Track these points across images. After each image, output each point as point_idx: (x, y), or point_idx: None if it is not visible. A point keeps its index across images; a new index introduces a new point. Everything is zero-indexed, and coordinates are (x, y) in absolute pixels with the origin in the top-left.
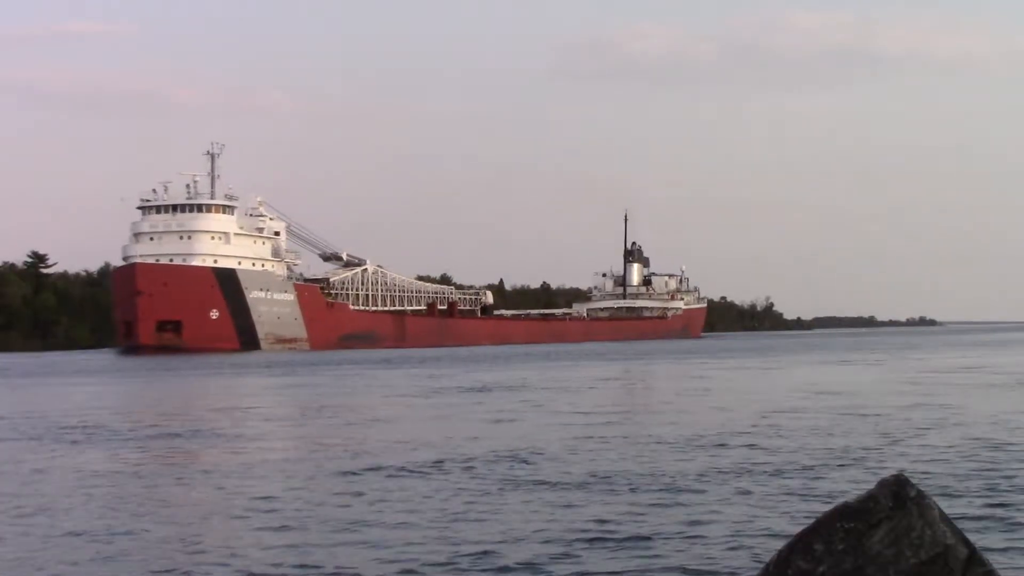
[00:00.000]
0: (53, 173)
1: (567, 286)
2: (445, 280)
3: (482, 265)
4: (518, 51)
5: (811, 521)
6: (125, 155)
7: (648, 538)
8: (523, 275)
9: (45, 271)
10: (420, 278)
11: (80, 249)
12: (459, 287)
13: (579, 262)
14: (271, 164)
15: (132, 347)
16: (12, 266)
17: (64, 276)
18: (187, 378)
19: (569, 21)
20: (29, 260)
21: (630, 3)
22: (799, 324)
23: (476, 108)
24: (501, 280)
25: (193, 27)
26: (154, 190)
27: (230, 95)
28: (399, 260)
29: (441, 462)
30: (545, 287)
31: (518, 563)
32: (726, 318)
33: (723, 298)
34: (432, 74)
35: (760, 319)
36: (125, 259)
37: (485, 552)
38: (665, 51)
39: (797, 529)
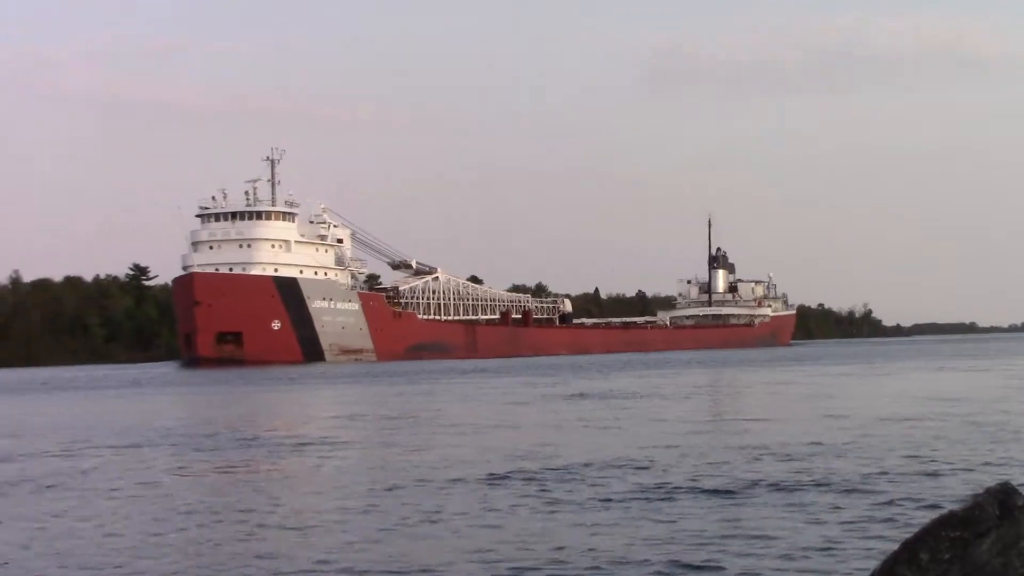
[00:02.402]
0: (151, 185)
1: (663, 294)
2: (540, 290)
3: (579, 275)
4: (601, 59)
5: (916, 530)
6: (220, 166)
7: (771, 535)
8: (619, 284)
9: (146, 283)
10: (515, 288)
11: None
12: (538, 295)
13: (673, 269)
14: (353, 172)
15: (192, 360)
16: (115, 279)
17: (165, 288)
18: (277, 391)
19: (653, 28)
20: (131, 273)
21: (715, 10)
22: (898, 331)
23: (561, 116)
24: (596, 289)
25: (271, 39)
26: (213, 197)
27: (308, 104)
28: (493, 271)
29: (548, 470)
30: (640, 295)
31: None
32: (823, 325)
33: (820, 305)
34: (516, 83)
35: (858, 326)
36: (184, 268)
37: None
38: (750, 57)
39: (902, 537)
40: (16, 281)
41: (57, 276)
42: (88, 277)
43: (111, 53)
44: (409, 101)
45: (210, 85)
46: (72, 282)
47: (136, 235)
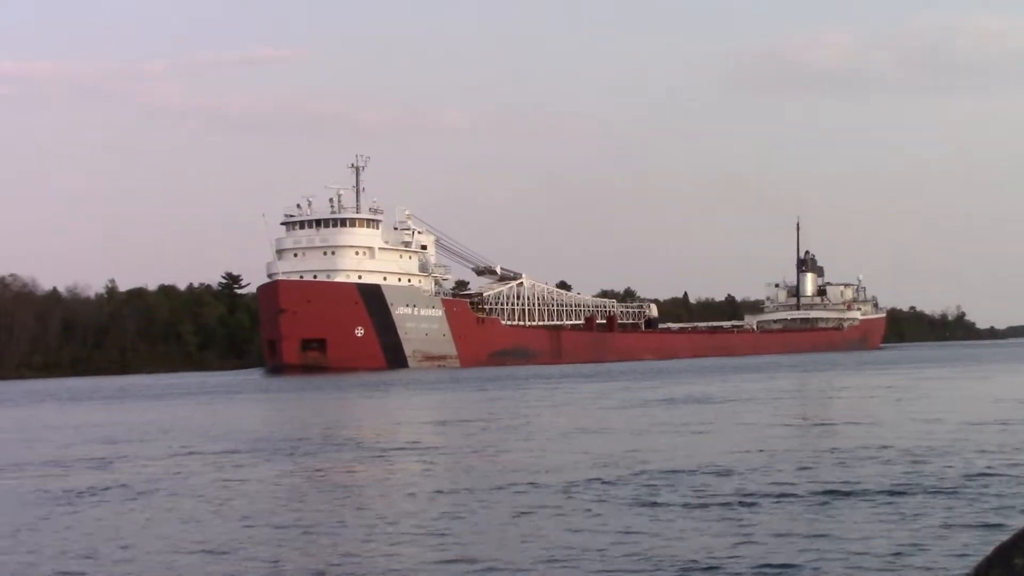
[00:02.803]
0: (244, 194)
1: (752, 298)
2: (628, 295)
3: (668, 280)
4: (688, 62)
5: (1011, 535)
6: (312, 175)
7: (863, 539)
8: (709, 288)
9: (239, 291)
10: (603, 294)
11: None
12: (626, 300)
13: (761, 273)
14: (440, 179)
15: (277, 367)
16: (208, 287)
17: (256, 296)
18: (362, 398)
19: (740, 30)
20: (223, 282)
21: (805, 12)
22: (992, 333)
23: (647, 120)
24: (685, 293)
25: (360, 50)
26: (298, 205)
27: (397, 112)
28: (583, 276)
29: (644, 473)
30: (730, 299)
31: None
32: (915, 328)
33: (912, 308)
34: (603, 86)
35: (951, 329)
36: (269, 276)
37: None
38: (838, 60)
39: (996, 542)
40: (112, 290)
41: (152, 285)
42: (182, 286)
43: (202, 66)
44: (495, 109)
45: (299, 95)
46: (166, 291)
47: (229, 244)
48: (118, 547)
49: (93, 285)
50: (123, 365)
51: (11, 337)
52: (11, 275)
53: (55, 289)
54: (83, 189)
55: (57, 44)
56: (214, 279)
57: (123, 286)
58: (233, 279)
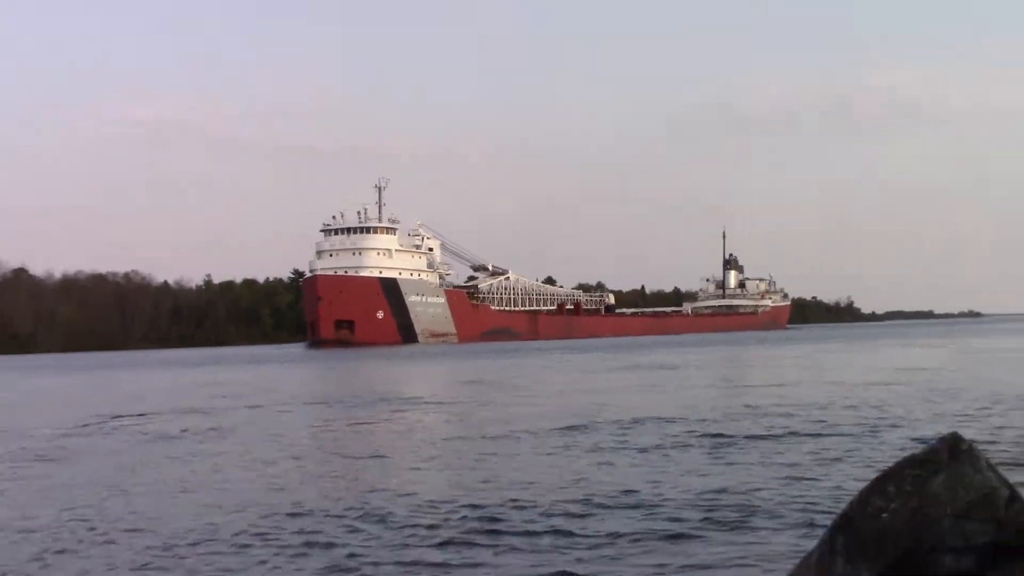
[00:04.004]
0: (303, 207)
1: (694, 290)
2: (600, 287)
3: (631, 275)
4: (646, 108)
5: (885, 468)
6: (350, 193)
7: (761, 487)
8: (661, 282)
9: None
10: (580, 286)
11: None
12: (591, 291)
13: (698, 270)
14: (449, 196)
15: (316, 342)
16: (280, 280)
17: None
18: (384, 365)
19: (688, 83)
20: (291, 276)
21: (742, 66)
22: (873, 317)
23: (613, 153)
24: (643, 286)
25: (388, 99)
26: (333, 217)
27: (411, 144)
28: (564, 272)
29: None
30: (676, 291)
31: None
32: (815, 313)
33: (813, 297)
34: (576, 127)
35: (842, 314)
36: (310, 272)
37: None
38: (764, 108)
39: (874, 474)
40: (208, 283)
41: (238, 278)
42: (261, 279)
43: (272, 110)
44: (492, 143)
45: (338, 132)
46: (249, 283)
47: (296, 246)
48: (212, 472)
49: (194, 278)
50: (217, 340)
51: (133, 319)
52: (133, 271)
53: (166, 282)
54: (186, 204)
55: (170, 94)
56: (284, 273)
57: (217, 279)
58: (299, 274)
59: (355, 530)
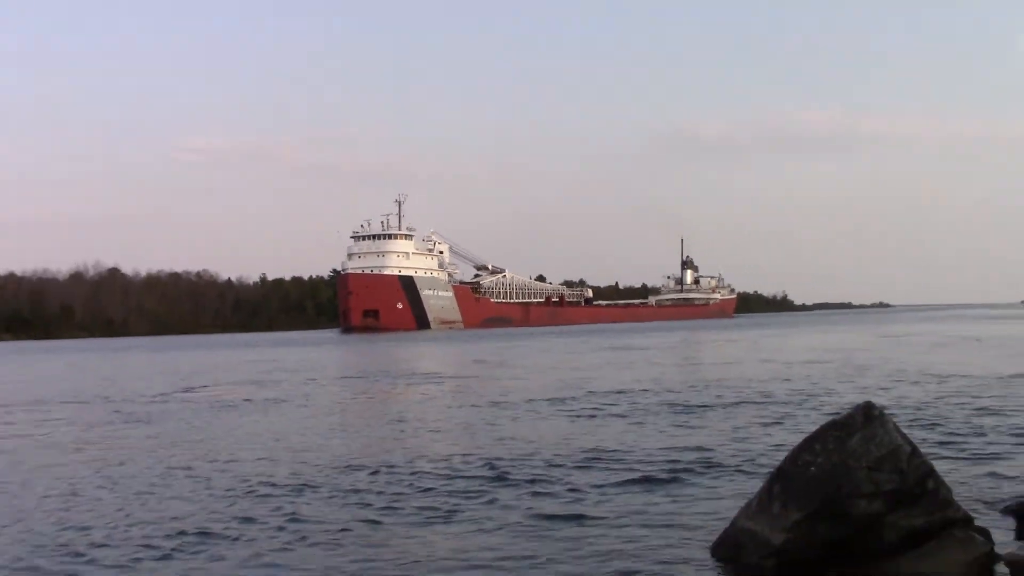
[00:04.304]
0: (342, 216)
1: (657, 285)
2: (582, 283)
3: (609, 273)
4: (624, 133)
5: (813, 430)
6: (372, 204)
7: (712, 446)
8: (632, 278)
9: None
10: (566, 282)
11: None
12: (573, 287)
13: (661, 269)
14: (458, 207)
15: (347, 328)
16: (321, 277)
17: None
18: (418, 346)
19: (658, 112)
20: (331, 274)
21: (699, 103)
22: (803, 308)
23: (596, 169)
24: (617, 282)
25: (407, 131)
26: (361, 225)
27: (425, 164)
28: (553, 270)
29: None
30: (644, 287)
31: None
32: (756, 304)
33: (755, 291)
34: (566, 152)
35: (778, 305)
36: (342, 270)
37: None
38: (717, 135)
39: (804, 435)
40: (263, 280)
41: (287, 276)
42: (305, 276)
43: (314, 138)
44: (493, 161)
45: (369, 156)
46: (296, 280)
47: (335, 249)
48: (273, 431)
49: (252, 276)
50: (269, 326)
51: (203, 308)
52: (203, 270)
53: (229, 279)
54: (245, 215)
55: (228, 125)
56: (325, 272)
57: (270, 277)
58: (336, 273)
59: (390, 475)
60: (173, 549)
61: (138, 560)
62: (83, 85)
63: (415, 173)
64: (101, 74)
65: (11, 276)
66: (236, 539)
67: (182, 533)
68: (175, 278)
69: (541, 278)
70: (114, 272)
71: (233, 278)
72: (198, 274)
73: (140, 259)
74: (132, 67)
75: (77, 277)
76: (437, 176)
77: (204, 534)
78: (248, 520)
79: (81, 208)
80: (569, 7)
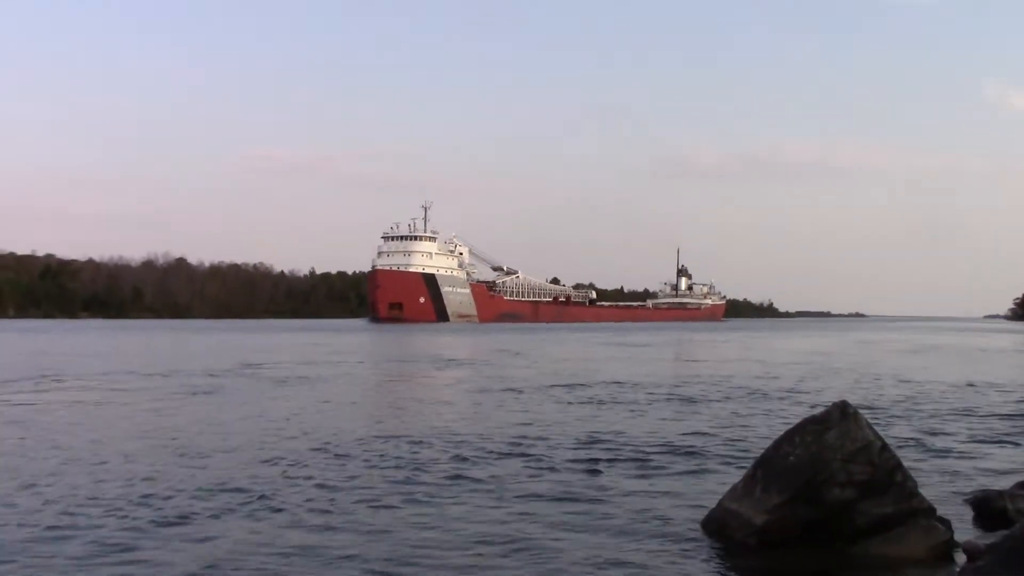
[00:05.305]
0: (379, 219)
1: (655, 290)
2: (590, 286)
3: (614, 277)
4: (626, 159)
5: (794, 424)
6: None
7: (705, 433)
8: (634, 283)
9: None
10: (577, 284)
11: None
12: (580, 288)
13: (659, 276)
14: (478, 214)
15: (375, 319)
16: (363, 272)
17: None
18: (439, 337)
19: (656, 141)
20: (371, 270)
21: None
22: (787, 315)
23: (599, 192)
24: (622, 287)
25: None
26: (391, 227)
27: (445, 176)
28: (567, 273)
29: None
30: (644, 291)
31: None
32: (745, 310)
33: (744, 299)
34: (580, 175)
35: (765, 311)
36: (372, 267)
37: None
38: (707, 163)
39: (785, 428)
40: (312, 272)
41: (333, 270)
42: (349, 271)
43: (359, 152)
44: (511, 175)
45: (406, 169)
46: (341, 274)
47: (375, 247)
48: (318, 405)
49: (302, 269)
50: (317, 314)
51: (258, 296)
52: (260, 262)
53: (282, 271)
54: (298, 216)
55: (288, 138)
56: (367, 267)
57: (318, 270)
58: (373, 267)
59: (424, 445)
60: (225, 506)
61: (194, 514)
62: (167, 99)
63: (440, 184)
64: (184, 90)
65: (90, 262)
66: (269, 497)
67: (239, 490)
68: (235, 268)
69: (556, 280)
70: (181, 261)
71: (286, 270)
72: (255, 265)
73: (205, 250)
74: (206, 90)
75: (148, 264)
76: (463, 189)
77: (241, 491)
78: (288, 480)
79: (155, 204)
80: (578, 56)
